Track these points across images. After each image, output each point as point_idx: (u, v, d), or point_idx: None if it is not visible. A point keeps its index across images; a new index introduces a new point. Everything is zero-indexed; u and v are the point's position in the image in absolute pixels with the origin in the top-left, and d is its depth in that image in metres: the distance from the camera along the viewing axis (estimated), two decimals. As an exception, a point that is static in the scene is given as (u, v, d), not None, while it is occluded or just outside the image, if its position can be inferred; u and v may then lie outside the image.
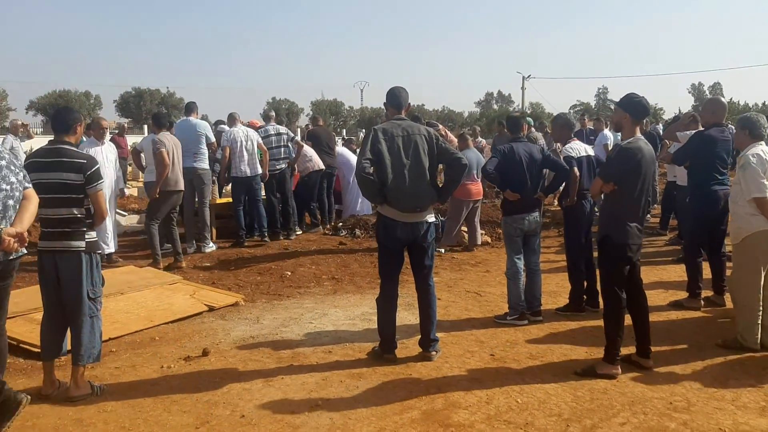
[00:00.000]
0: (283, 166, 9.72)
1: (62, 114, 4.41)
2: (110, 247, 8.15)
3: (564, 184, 6.00)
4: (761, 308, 4.94)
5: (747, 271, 4.98)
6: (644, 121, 10.69)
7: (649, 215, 11.20)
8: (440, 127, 10.10)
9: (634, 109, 4.50)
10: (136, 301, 6.33)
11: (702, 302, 6.14)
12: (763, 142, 5.06)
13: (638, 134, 4.52)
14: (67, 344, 4.43)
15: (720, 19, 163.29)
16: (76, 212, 4.21)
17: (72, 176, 4.16)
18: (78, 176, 4.17)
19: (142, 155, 8.91)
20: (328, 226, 10.66)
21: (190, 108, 9.08)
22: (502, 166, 5.77)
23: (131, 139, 18.52)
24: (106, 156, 7.99)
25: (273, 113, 11.06)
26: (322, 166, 10.43)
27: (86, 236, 4.27)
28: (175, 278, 7.10)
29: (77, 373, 4.24)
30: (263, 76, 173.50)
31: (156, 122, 8.33)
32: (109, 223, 7.91)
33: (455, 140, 10.11)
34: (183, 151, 8.68)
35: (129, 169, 17.38)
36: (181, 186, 8.20)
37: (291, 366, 4.79)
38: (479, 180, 9.18)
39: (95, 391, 4.28)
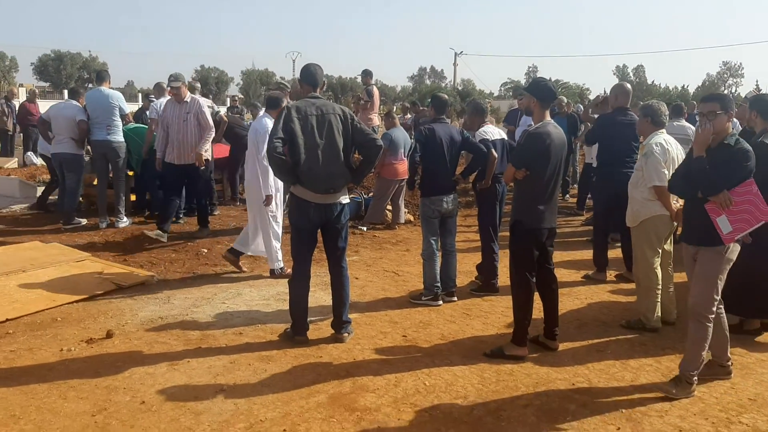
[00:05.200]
0: None
1: None
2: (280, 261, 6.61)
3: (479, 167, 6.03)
4: (660, 287, 5.15)
5: (644, 253, 5.18)
6: (566, 102, 10.97)
7: (567, 195, 11.51)
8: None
9: (540, 93, 4.54)
10: (39, 279, 6.03)
11: (606, 275, 6.44)
12: (664, 130, 5.22)
13: (547, 118, 4.57)
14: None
15: (644, 2, 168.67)
16: None
17: None
18: None
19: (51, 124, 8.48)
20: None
21: (102, 77, 8.62)
22: (423, 147, 5.76)
23: (48, 105, 17.59)
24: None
25: (198, 85, 10.69)
26: None
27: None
28: (83, 255, 6.81)
29: (-35, 359, 3.99)
30: (192, 41, 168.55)
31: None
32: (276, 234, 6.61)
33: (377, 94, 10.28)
34: (95, 123, 8.32)
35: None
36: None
37: (199, 348, 4.66)
38: (406, 159, 9.18)
39: (-15, 377, 4.06)
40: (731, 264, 4.02)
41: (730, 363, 4.31)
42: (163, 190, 8.37)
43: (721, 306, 4.16)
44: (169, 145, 7.79)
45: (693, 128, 7.48)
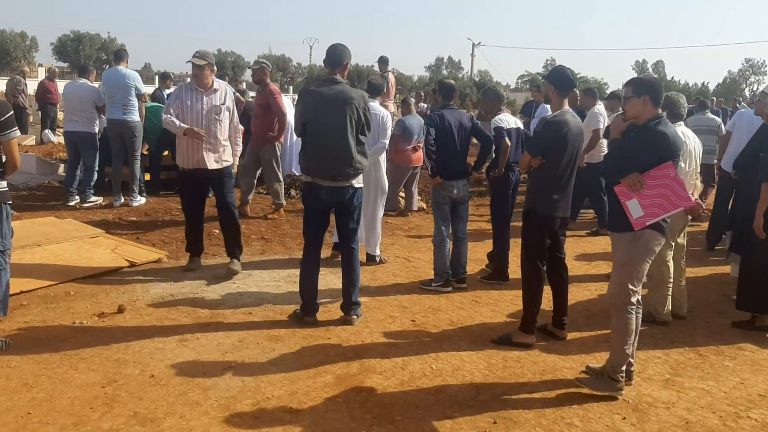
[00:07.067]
0: None
1: None
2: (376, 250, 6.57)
3: (493, 155, 6.00)
4: (671, 280, 5.11)
5: None
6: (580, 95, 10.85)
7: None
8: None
9: (559, 81, 4.50)
10: (53, 253, 6.09)
11: None
12: (682, 123, 5.15)
13: (566, 107, 4.53)
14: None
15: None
16: None
17: None
18: None
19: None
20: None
21: (119, 56, 8.63)
22: (435, 131, 5.74)
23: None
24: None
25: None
26: None
27: (-5, 186, 4.05)
28: (97, 231, 6.86)
29: (-21, 327, 4.04)
30: (210, 25, 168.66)
31: None
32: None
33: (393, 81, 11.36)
34: (111, 103, 8.34)
35: (60, 116, 16.68)
36: None
37: (208, 326, 4.70)
38: (420, 147, 9.15)
39: (-1, 346, 4.11)
40: (652, 254, 3.85)
41: (621, 376, 3.86)
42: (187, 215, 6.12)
43: (640, 308, 3.95)
44: (186, 148, 5.70)
45: (719, 120, 8.20)
